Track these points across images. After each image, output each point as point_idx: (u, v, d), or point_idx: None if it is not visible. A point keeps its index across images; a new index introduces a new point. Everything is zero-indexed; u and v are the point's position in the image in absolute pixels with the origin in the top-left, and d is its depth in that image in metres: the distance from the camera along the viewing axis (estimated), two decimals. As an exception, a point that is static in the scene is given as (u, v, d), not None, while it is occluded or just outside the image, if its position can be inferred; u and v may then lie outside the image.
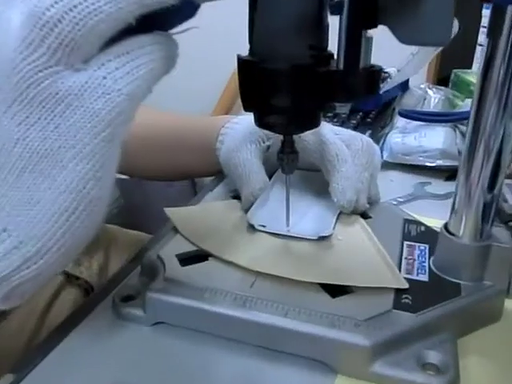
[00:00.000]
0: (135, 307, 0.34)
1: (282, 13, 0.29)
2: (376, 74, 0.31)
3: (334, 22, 0.31)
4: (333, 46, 0.31)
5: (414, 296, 0.33)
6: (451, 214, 0.35)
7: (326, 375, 0.30)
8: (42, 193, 0.24)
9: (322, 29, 0.31)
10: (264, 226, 0.41)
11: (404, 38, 0.27)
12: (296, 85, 0.31)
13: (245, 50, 0.32)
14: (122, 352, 0.32)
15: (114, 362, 0.31)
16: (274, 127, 0.34)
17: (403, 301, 0.33)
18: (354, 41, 0.29)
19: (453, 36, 0.74)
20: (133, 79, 0.24)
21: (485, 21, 0.85)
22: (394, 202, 0.53)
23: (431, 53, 0.76)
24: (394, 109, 0.81)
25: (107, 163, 0.25)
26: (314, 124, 0.34)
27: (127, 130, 0.26)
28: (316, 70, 0.30)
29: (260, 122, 0.34)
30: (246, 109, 0.34)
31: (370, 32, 0.30)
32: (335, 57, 0.31)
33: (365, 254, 0.38)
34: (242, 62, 0.32)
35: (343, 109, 0.32)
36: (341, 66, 0.30)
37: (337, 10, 0.28)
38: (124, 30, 0.24)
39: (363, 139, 0.46)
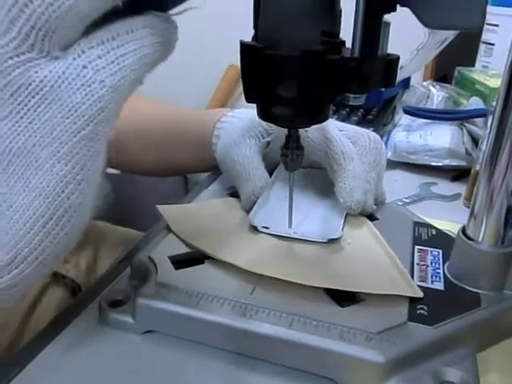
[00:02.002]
0: (124, 313, 0.32)
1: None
2: (394, 63, 0.29)
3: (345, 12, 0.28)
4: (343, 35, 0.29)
5: (429, 306, 0.30)
6: (470, 217, 0.32)
7: (333, 393, 0.28)
8: (14, 196, 0.22)
9: (334, 12, 0.29)
10: (267, 228, 0.38)
11: (429, 21, 0.24)
12: (305, 73, 0.28)
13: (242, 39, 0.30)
14: (108, 363, 0.30)
15: (100, 374, 0.29)
16: (279, 119, 0.31)
17: (418, 312, 0.30)
18: (373, 25, 0.27)
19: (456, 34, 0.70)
20: (118, 69, 0.21)
21: (489, 18, 0.82)
22: (400, 203, 0.50)
23: (436, 48, 0.73)
24: (394, 107, 0.79)
25: (89, 165, 0.23)
26: (323, 117, 0.31)
27: (112, 127, 0.23)
28: (328, 57, 0.28)
29: (263, 114, 0.32)
30: (249, 99, 0.31)
31: (387, 17, 0.27)
32: (348, 45, 0.28)
33: (374, 259, 0.35)
34: (245, 48, 0.29)
35: (358, 101, 0.29)
36: (356, 54, 0.27)
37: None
38: (112, 12, 0.21)
39: (370, 135, 0.43)
